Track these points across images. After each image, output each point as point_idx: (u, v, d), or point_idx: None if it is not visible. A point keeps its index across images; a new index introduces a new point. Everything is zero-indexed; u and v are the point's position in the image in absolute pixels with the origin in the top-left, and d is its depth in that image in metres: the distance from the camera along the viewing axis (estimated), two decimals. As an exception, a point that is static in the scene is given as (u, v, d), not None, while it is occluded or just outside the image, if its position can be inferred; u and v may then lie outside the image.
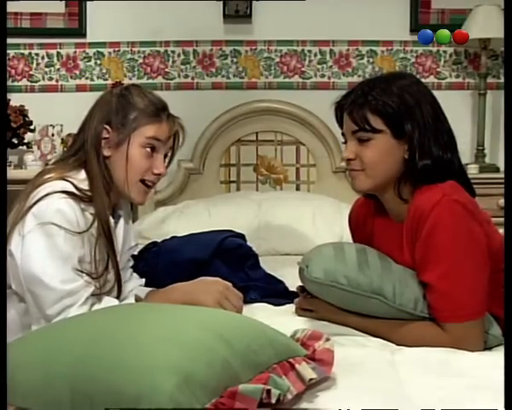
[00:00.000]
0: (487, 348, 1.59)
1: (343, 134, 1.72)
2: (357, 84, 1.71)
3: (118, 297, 1.73)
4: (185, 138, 1.79)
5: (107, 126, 1.68)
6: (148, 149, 1.69)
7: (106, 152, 1.69)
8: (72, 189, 1.62)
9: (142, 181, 1.71)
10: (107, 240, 1.66)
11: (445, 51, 3.46)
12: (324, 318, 1.71)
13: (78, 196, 1.62)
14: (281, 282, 2.11)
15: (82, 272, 1.60)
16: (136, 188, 1.71)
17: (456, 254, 1.54)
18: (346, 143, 1.70)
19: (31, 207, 1.58)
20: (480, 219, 1.60)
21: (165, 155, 1.76)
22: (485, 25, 3.13)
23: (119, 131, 1.68)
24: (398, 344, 1.58)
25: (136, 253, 2.13)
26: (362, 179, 1.67)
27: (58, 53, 3.44)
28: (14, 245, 1.56)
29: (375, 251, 1.68)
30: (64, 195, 1.59)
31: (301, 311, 1.79)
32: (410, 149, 1.62)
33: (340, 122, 1.73)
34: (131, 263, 1.94)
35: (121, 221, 1.79)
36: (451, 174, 1.63)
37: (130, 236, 1.89)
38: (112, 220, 1.72)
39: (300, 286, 1.79)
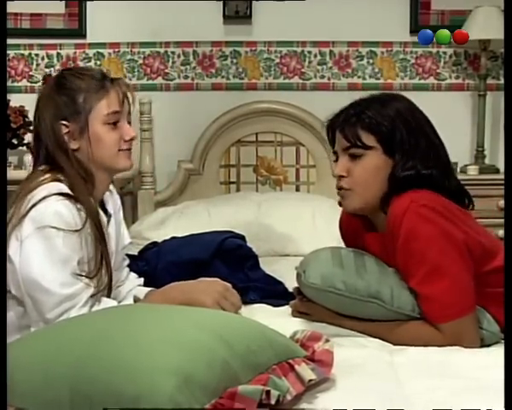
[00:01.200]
0: (486, 345, 1.60)
1: (334, 153, 1.73)
2: (350, 103, 1.73)
3: (108, 296, 1.73)
4: (134, 97, 1.77)
5: (63, 121, 1.66)
6: (111, 124, 1.68)
7: (73, 145, 1.67)
8: (67, 190, 1.61)
9: (120, 150, 1.71)
10: (101, 236, 1.65)
11: (444, 52, 3.45)
12: (320, 321, 1.71)
13: (73, 197, 1.61)
14: (280, 283, 2.11)
15: (81, 274, 1.60)
16: (119, 157, 1.71)
17: (432, 256, 1.56)
18: (336, 161, 1.72)
19: (28, 211, 1.57)
20: (454, 219, 1.60)
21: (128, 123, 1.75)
22: (485, 26, 3.13)
23: (75, 120, 1.66)
24: (396, 345, 1.59)
25: (136, 253, 2.13)
26: (351, 199, 1.68)
27: (58, 54, 3.44)
28: (12, 250, 1.55)
29: (371, 256, 1.69)
30: (60, 197, 1.59)
31: (297, 313, 1.79)
32: (394, 164, 1.64)
33: (332, 141, 1.74)
34: (127, 262, 1.94)
35: (112, 220, 1.78)
36: (433, 187, 1.63)
37: (124, 234, 1.88)
38: (105, 219, 1.72)
39: (296, 288, 1.79)
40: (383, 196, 1.66)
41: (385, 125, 1.64)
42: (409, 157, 1.64)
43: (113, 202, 1.83)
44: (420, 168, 1.63)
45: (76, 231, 1.58)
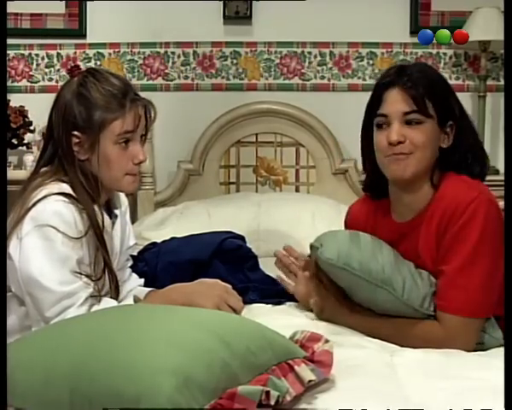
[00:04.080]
0: (485, 349, 1.60)
1: (382, 115, 1.63)
2: (400, 65, 1.71)
3: (116, 298, 1.73)
4: (156, 113, 1.72)
5: (76, 132, 1.64)
6: (123, 143, 1.65)
7: (82, 156, 1.65)
8: (69, 190, 1.61)
9: (127, 173, 1.69)
10: (100, 242, 1.65)
11: (444, 53, 3.45)
12: (326, 311, 1.70)
13: (74, 198, 1.61)
14: (280, 283, 2.10)
15: (80, 273, 1.60)
16: (124, 181, 1.69)
17: (479, 251, 1.56)
18: (379, 126, 1.64)
19: (28, 209, 1.57)
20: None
21: (142, 136, 1.71)
22: (485, 27, 3.13)
23: (87, 134, 1.63)
24: (398, 344, 1.59)
25: (135, 253, 2.13)
26: (411, 163, 1.62)
27: (58, 54, 3.44)
28: (12, 248, 1.56)
29: (388, 245, 1.68)
30: (61, 197, 1.59)
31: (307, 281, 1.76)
32: (452, 137, 1.65)
33: (378, 102, 1.65)
34: (130, 263, 1.94)
35: (118, 221, 1.78)
36: (480, 167, 1.67)
37: (129, 235, 1.88)
38: (109, 221, 1.72)
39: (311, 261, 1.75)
40: (431, 167, 1.66)
41: (442, 95, 1.64)
42: (463, 132, 1.65)
43: (120, 202, 1.83)
44: (474, 147, 1.66)
45: (76, 232, 1.58)
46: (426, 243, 1.64)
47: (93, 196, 1.66)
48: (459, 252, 1.57)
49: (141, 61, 3.46)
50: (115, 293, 1.72)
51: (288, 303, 1.93)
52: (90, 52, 3.45)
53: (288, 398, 1.17)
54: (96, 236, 1.64)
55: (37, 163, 1.73)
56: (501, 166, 3.28)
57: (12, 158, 3.26)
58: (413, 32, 3.40)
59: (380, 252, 1.63)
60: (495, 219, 1.57)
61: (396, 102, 1.62)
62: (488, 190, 1.64)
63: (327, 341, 1.34)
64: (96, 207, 1.66)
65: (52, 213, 1.56)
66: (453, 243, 1.58)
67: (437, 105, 1.63)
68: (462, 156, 1.66)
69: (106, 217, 1.70)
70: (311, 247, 1.69)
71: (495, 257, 1.56)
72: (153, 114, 1.72)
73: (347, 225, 1.92)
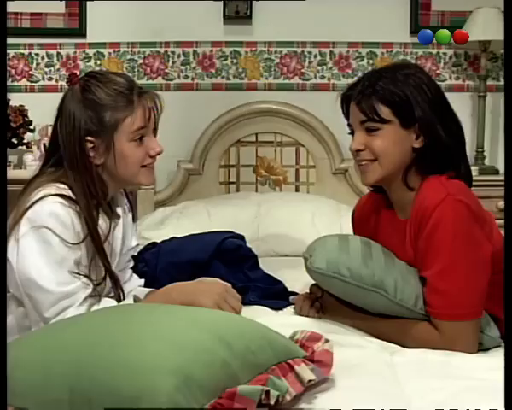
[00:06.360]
0: (484, 349, 1.60)
1: (349, 125, 1.71)
2: (363, 74, 1.72)
3: (121, 299, 1.73)
4: (163, 104, 1.73)
5: (89, 138, 1.62)
6: (136, 140, 1.66)
7: (98, 161, 1.64)
8: (67, 191, 1.60)
9: (143, 166, 1.69)
10: (98, 250, 1.64)
11: (444, 53, 3.46)
12: (332, 318, 1.71)
13: (73, 199, 1.60)
14: (280, 282, 2.10)
15: (79, 273, 1.59)
16: (142, 174, 1.69)
17: (454, 253, 1.55)
18: (352, 134, 1.70)
19: (26, 210, 1.56)
20: (482, 220, 1.60)
21: (154, 128, 1.72)
22: (485, 27, 3.13)
23: (101, 136, 1.62)
24: (399, 344, 1.59)
25: (135, 253, 2.13)
26: (374, 169, 1.65)
27: (58, 53, 3.44)
28: (9, 250, 1.55)
29: (379, 245, 1.68)
30: (58, 198, 1.58)
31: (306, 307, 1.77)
32: (423, 136, 1.62)
33: (347, 113, 1.72)
34: (131, 264, 1.93)
35: (120, 222, 1.78)
36: (458, 161, 1.65)
37: (131, 236, 1.88)
38: (107, 222, 1.71)
39: (313, 286, 1.78)
40: (405, 168, 1.65)
41: (400, 96, 1.61)
42: (433, 129, 1.62)
43: (123, 203, 1.83)
44: (449, 142, 1.63)
45: (73, 233, 1.57)
46: (412, 245, 1.64)
47: (98, 201, 1.66)
48: (435, 257, 1.56)
49: (141, 61, 3.46)
50: (119, 298, 1.72)
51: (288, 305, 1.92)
52: (90, 51, 3.45)
53: (288, 398, 1.17)
54: (94, 242, 1.63)
55: (41, 169, 1.71)
56: (501, 166, 3.28)
57: (12, 157, 3.26)
58: (413, 32, 3.40)
59: (369, 255, 1.63)
60: (465, 218, 1.55)
61: (353, 113, 1.68)
62: (463, 189, 1.61)
63: (327, 340, 1.34)
64: (95, 212, 1.65)
65: (49, 214, 1.56)
66: (427, 248, 1.58)
67: (396, 109, 1.62)
68: (435, 155, 1.63)
69: (107, 221, 1.70)
70: (303, 257, 1.71)
71: (473, 256, 1.55)
72: (160, 106, 1.73)
73: (353, 217, 1.93)
